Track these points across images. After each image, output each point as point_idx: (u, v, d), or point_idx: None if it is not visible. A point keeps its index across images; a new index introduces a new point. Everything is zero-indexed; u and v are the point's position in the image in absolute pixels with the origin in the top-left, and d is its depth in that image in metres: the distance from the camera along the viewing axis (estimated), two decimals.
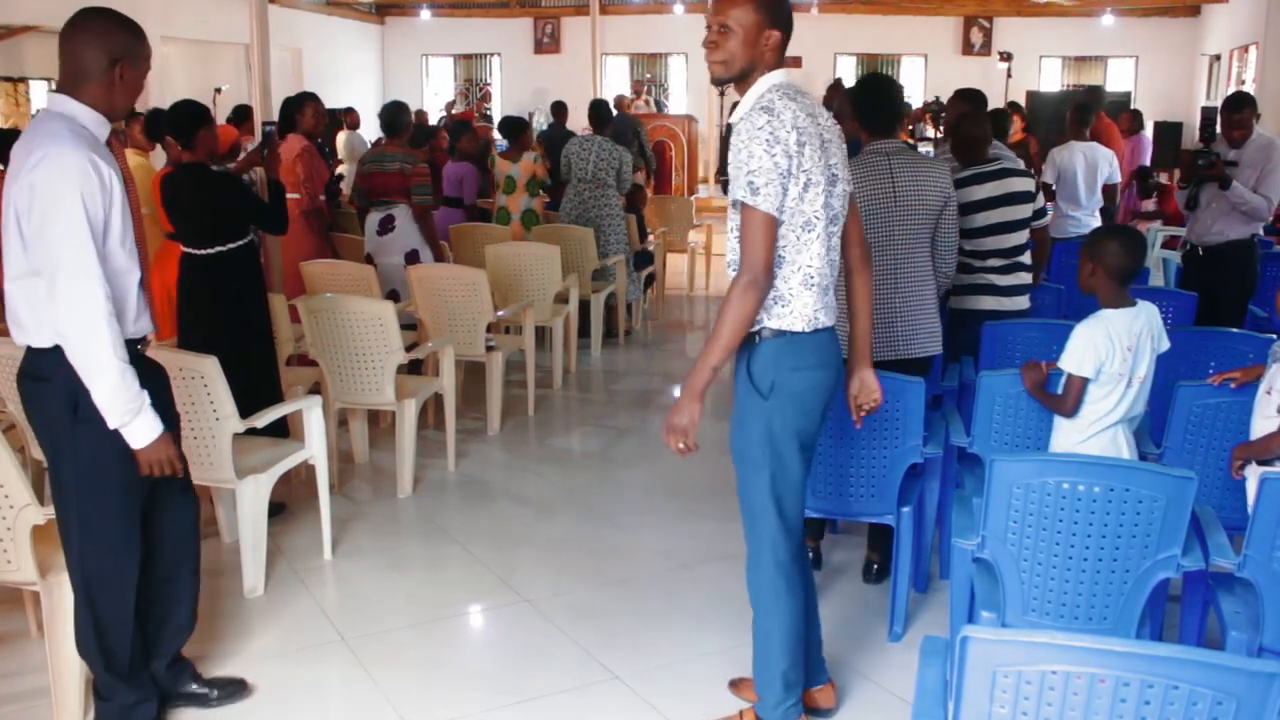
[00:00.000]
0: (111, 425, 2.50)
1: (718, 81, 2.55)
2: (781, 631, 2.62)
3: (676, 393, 6.57)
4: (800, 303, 2.50)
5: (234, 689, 3.01)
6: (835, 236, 2.56)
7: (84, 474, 2.58)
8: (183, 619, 2.92)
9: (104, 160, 2.45)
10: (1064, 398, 2.99)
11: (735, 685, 3.03)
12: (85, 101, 2.50)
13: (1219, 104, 5.80)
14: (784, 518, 2.59)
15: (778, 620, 2.62)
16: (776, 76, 2.50)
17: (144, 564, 2.72)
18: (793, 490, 2.59)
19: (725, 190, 8.15)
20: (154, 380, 2.65)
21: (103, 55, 2.49)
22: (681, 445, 2.45)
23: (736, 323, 2.42)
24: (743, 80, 2.51)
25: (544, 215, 7.57)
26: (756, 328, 2.52)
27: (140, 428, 2.52)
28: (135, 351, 2.59)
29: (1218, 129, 5.46)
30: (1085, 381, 2.94)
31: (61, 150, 2.40)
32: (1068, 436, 3.03)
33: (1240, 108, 5.29)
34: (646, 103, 16.05)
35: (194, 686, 2.96)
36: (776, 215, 2.42)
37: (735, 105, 2.55)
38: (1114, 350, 2.90)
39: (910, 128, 12.57)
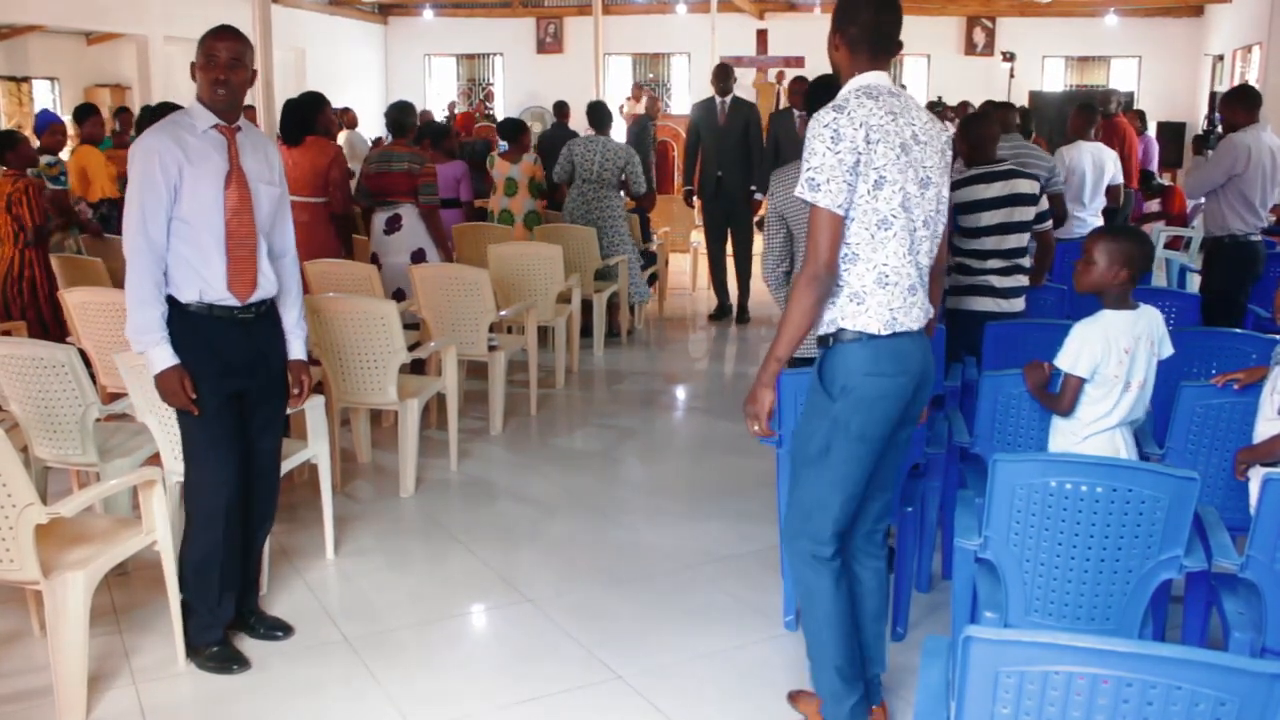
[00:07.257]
0: (134, 350, 3.00)
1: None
2: (830, 626, 2.63)
3: (679, 393, 6.66)
4: (875, 301, 2.48)
5: (277, 630, 3.33)
6: (926, 239, 2.54)
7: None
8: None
9: (180, 141, 2.94)
10: (1060, 397, 2.98)
11: (794, 697, 2.97)
12: (197, 97, 3.05)
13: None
14: (834, 518, 2.58)
15: (823, 615, 2.63)
16: (865, 79, 2.54)
17: (240, 497, 3.15)
18: (848, 491, 2.57)
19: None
20: (249, 342, 3.07)
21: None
22: (757, 428, 2.60)
23: (798, 315, 2.48)
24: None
25: (545, 216, 7.57)
26: (834, 329, 2.53)
27: (154, 357, 2.95)
28: (231, 315, 3.02)
29: (1218, 126, 5.51)
30: (1082, 381, 2.93)
31: (147, 132, 3.01)
32: (1065, 438, 3.02)
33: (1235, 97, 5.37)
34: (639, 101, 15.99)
35: (249, 615, 3.32)
36: (839, 211, 2.44)
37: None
38: (1110, 351, 2.90)
39: None
